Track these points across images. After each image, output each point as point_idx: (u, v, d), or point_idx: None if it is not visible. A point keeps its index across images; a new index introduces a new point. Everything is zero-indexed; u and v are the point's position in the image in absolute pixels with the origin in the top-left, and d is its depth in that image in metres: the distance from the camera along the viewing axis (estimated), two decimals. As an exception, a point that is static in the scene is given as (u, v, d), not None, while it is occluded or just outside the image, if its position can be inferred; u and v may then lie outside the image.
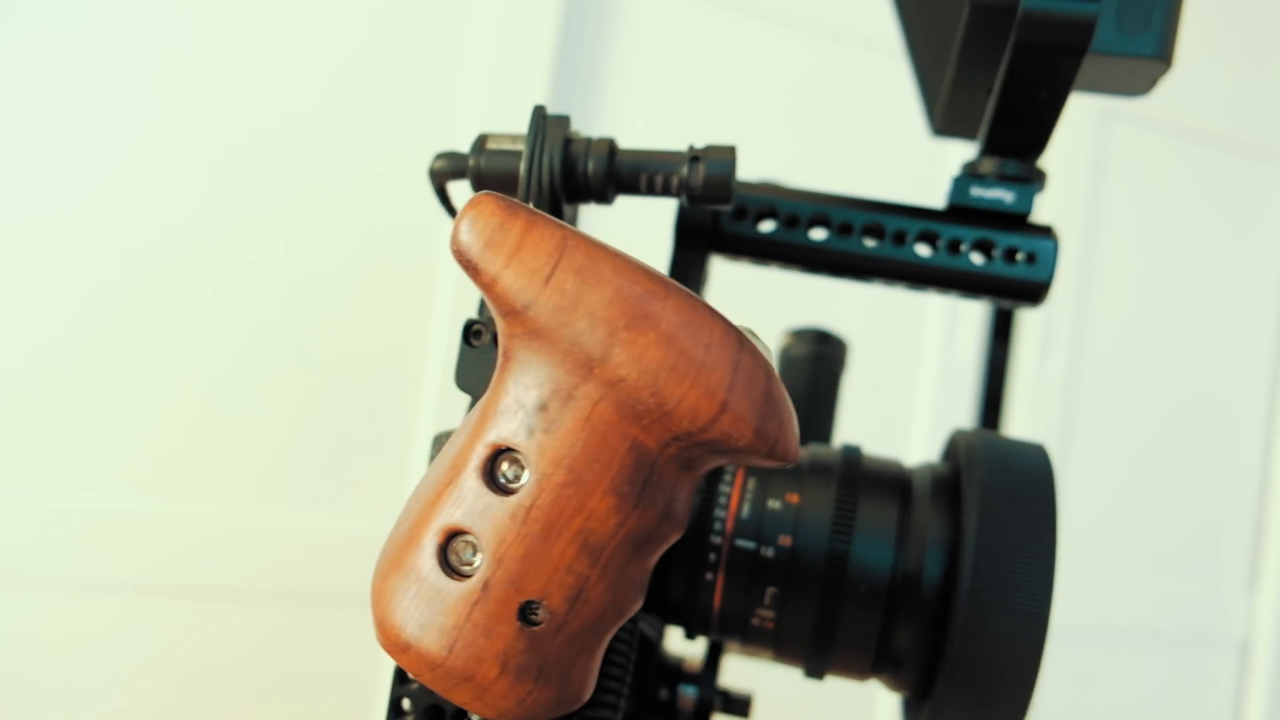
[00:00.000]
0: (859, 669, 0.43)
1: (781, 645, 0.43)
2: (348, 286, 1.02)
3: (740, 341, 0.28)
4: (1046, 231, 0.44)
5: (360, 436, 1.03)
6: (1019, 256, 0.44)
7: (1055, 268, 0.44)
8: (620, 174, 0.40)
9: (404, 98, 1.04)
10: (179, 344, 0.97)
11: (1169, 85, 1.41)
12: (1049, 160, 1.36)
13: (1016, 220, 0.44)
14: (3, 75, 0.92)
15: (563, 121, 0.41)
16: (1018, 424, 1.37)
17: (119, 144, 0.95)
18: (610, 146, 0.40)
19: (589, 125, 1.15)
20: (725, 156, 0.40)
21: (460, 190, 0.46)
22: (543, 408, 0.28)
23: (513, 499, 0.28)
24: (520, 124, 1.06)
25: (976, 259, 0.44)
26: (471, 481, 0.29)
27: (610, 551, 0.28)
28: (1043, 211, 1.37)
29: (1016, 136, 0.43)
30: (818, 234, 0.46)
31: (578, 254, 0.28)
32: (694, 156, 0.40)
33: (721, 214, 0.46)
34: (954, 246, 0.45)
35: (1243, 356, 1.53)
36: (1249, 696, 1.51)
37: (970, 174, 0.45)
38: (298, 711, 1.05)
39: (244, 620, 1.00)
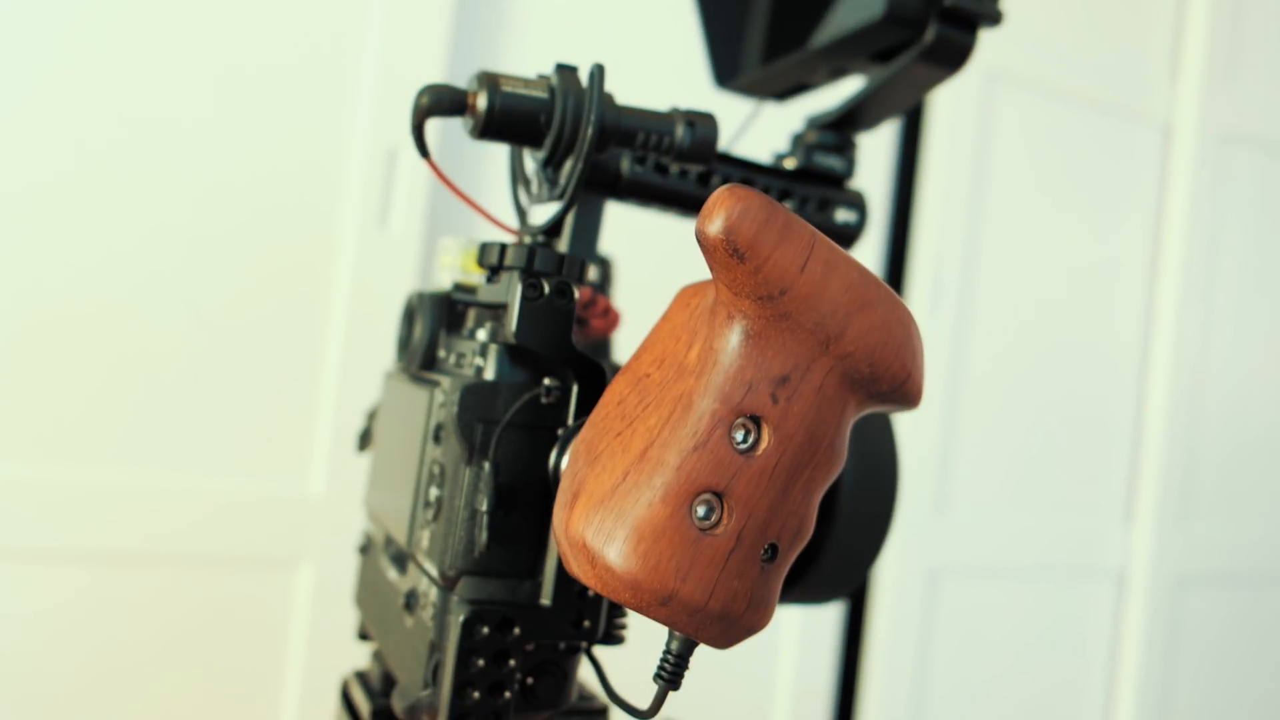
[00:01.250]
0: None
1: None
2: (243, 241, 0.98)
3: (913, 320, 0.35)
4: (860, 195, 0.56)
5: (258, 394, 0.99)
6: (849, 214, 0.55)
7: (868, 221, 0.56)
8: (621, 128, 0.42)
9: (297, 64, 1.01)
10: (67, 303, 0.91)
11: (1049, 50, 1.50)
12: (936, 118, 1.42)
13: (841, 181, 0.55)
14: None
15: (575, 72, 0.41)
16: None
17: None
18: (613, 102, 0.42)
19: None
20: (710, 123, 0.44)
21: (440, 126, 0.41)
22: (785, 379, 0.32)
23: (758, 458, 0.32)
24: (417, 88, 0.98)
25: (819, 214, 0.54)
26: (720, 446, 0.32)
27: (818, 492, 0.34)
28: (932, 171, 1.41)
29: (868, 120, 0.53)
30: (705, 187, 0.52)
31: (822, 247, 0.32)
32: (688, 121, 0.43)
33: (624, 163, 0.49)
34: (804, 202, 0.54)
35: (1117, 302, 1.58)
36: (1126, 623, 1.58)
37: (814, 144, 0.54)
38: (201, 673, 0.98)
39: (145, 582, 0.95)
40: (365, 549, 0.53)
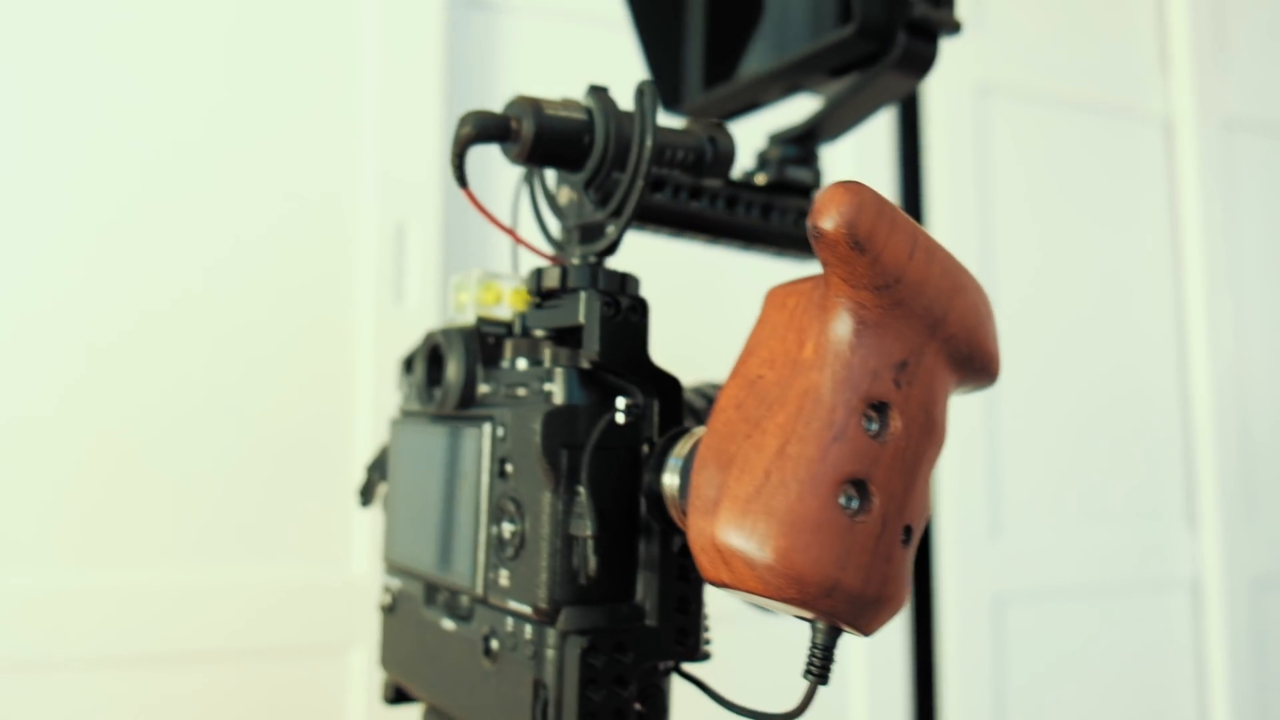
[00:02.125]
0: None
1: None
2: (267, 336, 0.98)
3: (989, 301, 0.37)
4: (831, 203, 0.58)
5: (294, 483, 0.98)
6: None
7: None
8: (663, 144, 0.43)
9: (300, 151, 1.01)
10: (96, 410, 0.92)
11: (1037, 56, 1.47)
12: (933, 138, 1.38)
13: (810, 192, 0.58)
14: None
15: (607, 92, 0.41)
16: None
17: (31, 206, 0.92)
18: (642, 120, 0.42)
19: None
20: (728, 136, 0.45)
21: (483, 155, 0.40)
22: (904, 364, 0.34)
23: (890, 443, 0.33)
24: (418, 160, 1.03)
25: (796, 225, 0.56)
26: (857, 434, 0.33)
27: (932, 471, 0.35)
28: (936, 192, 1.37)
29: (832, 131, 0.56)
30: (696, 203, 0.53)
31: (922, 234, 0.34)
32: (711, 137, 0.44)
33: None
34: (783, 214, 0.56)
35: (1145, 301, 1.54)
36: (1207, 631, 1.50)
37: (786, 158, 0.56)
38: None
39: (199, 682, 0.94)
40: (392, 608, 0.51)
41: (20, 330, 0.91)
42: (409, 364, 0.52)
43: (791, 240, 0.56)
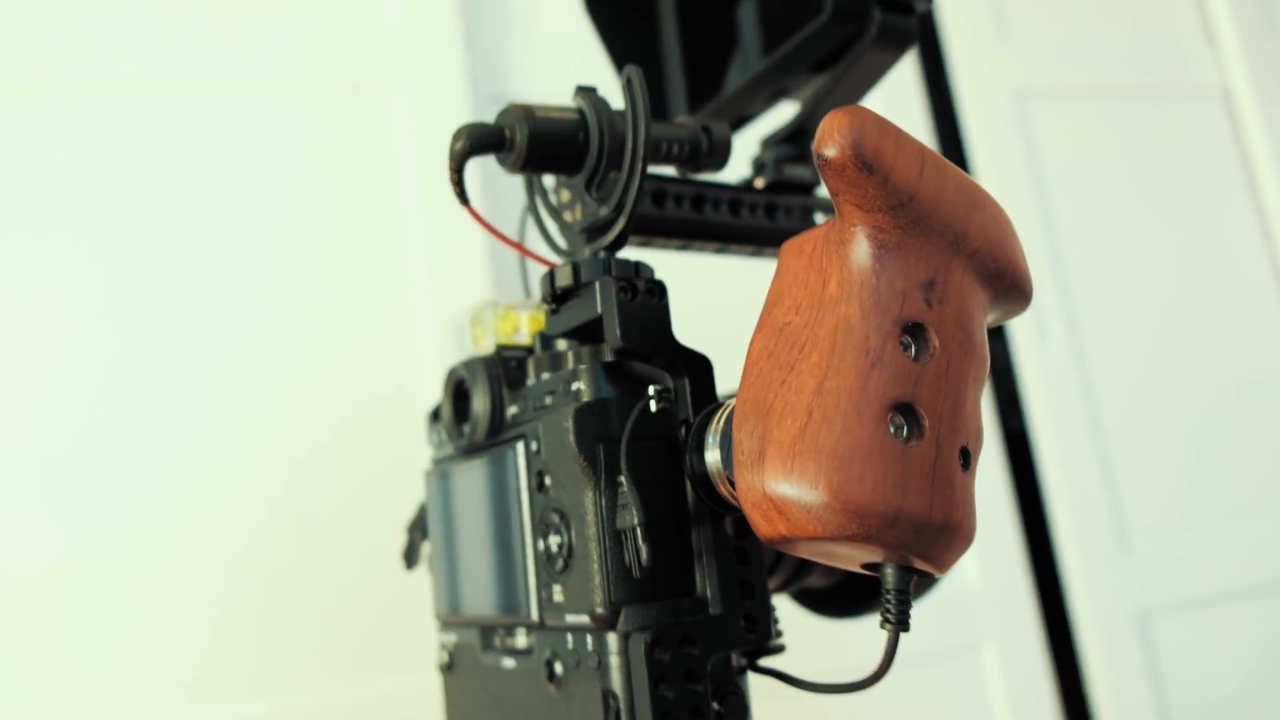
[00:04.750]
0: None
1: None
2: (339, 448, 1.01)
3: (1009, 216, 0.36)
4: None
5: (375, 594, 0.99)
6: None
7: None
8: (657, 136, 0.42)
9: (351, 246, 1.06)
10: (185, 550, 0.96)
11: (1071, 52, 1.43)
12: (979, 154, 1.35)
13: (812, 188, 0.57)
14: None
15: (595, 91, 0.42)
16: (1041, 412, 1.28)
17: (108, 358, 0.98)
18: (633, 117, 0.42)
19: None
20: (724, 129, 0.45)
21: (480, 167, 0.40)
22: (931, 283, 0.33)
23: (931, 364, 0.32)
24: (463, 241, 1.06)
25: (804, 222, 0.56)
26: (896, 357, 0.31)
27: (980, 392, 0.34)
28: None
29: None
30: (699, 212, 0.52)
31: (930, 152, 0.33)
32: (705, 127, 0.44)
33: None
34: (789, 213, 0.55)
35: (1240, 280, 1.45)
36: None
37: (782, 158, 0.56)
38: None
39: None
40: (450, 665, 0.48)
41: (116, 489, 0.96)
42: (436, 413, 0.51)
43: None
